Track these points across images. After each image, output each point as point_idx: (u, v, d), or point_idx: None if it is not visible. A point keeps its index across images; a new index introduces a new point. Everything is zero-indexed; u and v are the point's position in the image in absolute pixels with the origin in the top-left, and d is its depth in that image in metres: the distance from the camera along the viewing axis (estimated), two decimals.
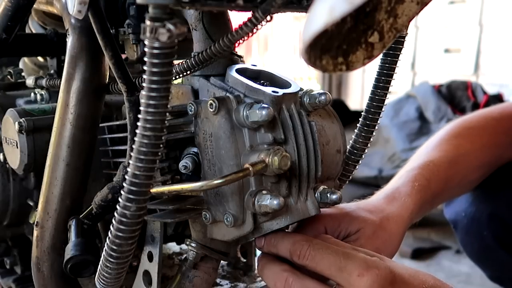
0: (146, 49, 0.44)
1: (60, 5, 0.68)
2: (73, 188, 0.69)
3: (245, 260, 0.92)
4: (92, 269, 0.65)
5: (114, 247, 0.54)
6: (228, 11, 0.63)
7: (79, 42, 0.66)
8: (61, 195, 0.68)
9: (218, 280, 0.89)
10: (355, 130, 0.70)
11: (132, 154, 0.49)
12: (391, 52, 0.65)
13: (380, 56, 0.62)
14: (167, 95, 0.46)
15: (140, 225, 0.53)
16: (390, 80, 0.66)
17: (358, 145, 0.70)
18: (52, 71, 0.88)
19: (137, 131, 0.48)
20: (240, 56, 0.65)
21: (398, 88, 3.24)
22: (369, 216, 0.74)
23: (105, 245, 0.55)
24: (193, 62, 0.57)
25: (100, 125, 0.71)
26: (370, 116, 0.68)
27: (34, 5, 0.76)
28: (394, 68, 0.66)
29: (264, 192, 0.57)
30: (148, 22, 0.44)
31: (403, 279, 0.57)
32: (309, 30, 0.41)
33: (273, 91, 0.58)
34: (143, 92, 0.46)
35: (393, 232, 0.74)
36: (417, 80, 3.43)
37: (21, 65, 1.06)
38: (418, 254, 2.14)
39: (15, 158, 0.78)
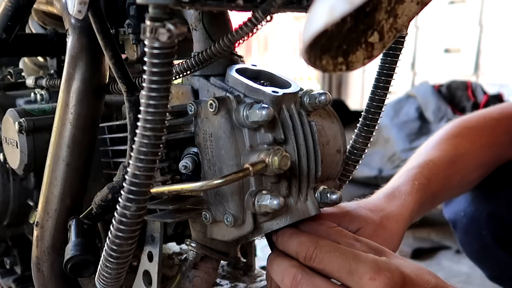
0: (146, 49, 0.44)
1: (60, 5, 0.68)
2: (73, 188, 0.69)
3: (245, 260, 0.92)
4: (92, 269, 0.65)
5: (114, 247, 0.54)
6: (228, 11, 0.63)
7: (79, 42, 0.66)
8: (61, 195, 0.69)
9: (218, 280, 0.89)
10: (355, 130, 0.70)
11: (132, 154, 0.49)
12: (391, 52, 0.65)
13: (380, 56, 0.62)
14: (167, 95, 0.46)
15: (140, 225, 0.53)
16: (390, 80, 0.67)
17: (358, 145, 0.70)
18: (52, 71, 0.88)
19: (137, 131, 0.48)
20: (240, 56, 0.65)
21: (398, 88, 3.24)
22: (370, 215, 0.74)
23: (105, 245, 0.55)
24: (193, 62, 0.57)
25: (100, 125, 0.71)
26: (370, 116, 0.68)
27: (34, 5, 0.76)
28: (394, 68, 0.66)
29: (264, 192, 0.57)
30: (148, 22, 0.44)
31: (412, 280, 0.57)
32: (309, 30, 0.41)
33: (273, 91, 0.58)
34: (143, 92, 0.46)
35: (393, 230, 0.74)
36: (417, 80, 3.44)
37: (21, 65, 1.06)
38: (418, 254, 2.14)
39: (15, 158, 0.78)
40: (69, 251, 0.65)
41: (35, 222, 0.70)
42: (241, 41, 0.53)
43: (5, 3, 0.73)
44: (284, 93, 0.58)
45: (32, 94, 0.88)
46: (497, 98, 2.59)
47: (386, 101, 0.68)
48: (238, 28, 0.51)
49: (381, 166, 2.45)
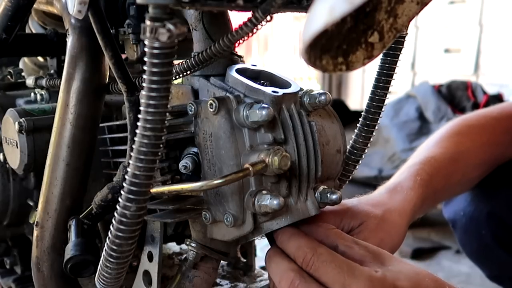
0: (146, 49, 0.44)
1: (60, 5, 0.68)
2: (73, 188, 0.69)
3: (245, 260, 0.92)
4: (92, 269, 0.65)
5: (114, 247, 0.54)
6: (228, 11, 0.63)
7: (79, 42, 0.66)
8: (61, 195, 0.69)
9: (218, 280, 0.89)
10: (355, 130, 0.70)
11: (132, 154, 0.49)
12: (391, 52, 0.65)
13: (380, 56, 0.62)
14: (167, 95, 0.46)
15: (140, 225, 0.53)
16: (390, 80, 0.66)
17: (358, 145, 0.70)
18: (52, 71, 0.88)
19: (137, 131, 0.48)
20: (240, 56, 0.65)
21: (398, 88, 3.24)
22: (372, 210, 0.73)
23: (105, 245, 0.55)
24: (193, 62, 0.57)
25: (100, 125, 0.71)
26: (370, 116, 0.68)
27: (34, 5, 0.76)
28: (394, 68, 0.66)
29: (264, 192, 0.57)
30: (148, 22, 0.44)
31: None
32: (309, 30, 0.41)
33: (273, 91, 0.58)
34: (143, 92, 0.46)
35: (396, 223, 0.74)
36: (417, 80, 3.43)
37: (21, 65, 1.06)
38: (418, 254, 2.14)
39: (15, 158, 0.78)
40: (69, 251, 0.65)
41: (35, 222, 0.70)
42: (241, 41, 0.53)
43: (5, 3, 0.73)
44: (284, 93, 0.58)
45: (32, 94, 0.88)
46: (497, 98, 2.59)
47: (386, 101, 0.68)
48: (238, 28, 0.51)
49: (381, 166, 2.45)
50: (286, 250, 0.60)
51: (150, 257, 0.69)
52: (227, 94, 0.59)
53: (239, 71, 0.61)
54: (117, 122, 0.74)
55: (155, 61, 0.45)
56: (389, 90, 0.67)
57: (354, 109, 3.11)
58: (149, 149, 0.48)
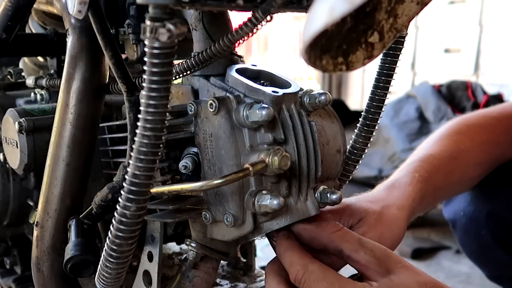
0: (146, 49, 0.44)
1: (60, 5, 0.68)
2: (73, 188, 0.69)
3: (245, 260, 0.92)
4: (92, 269, 0.65)
5: (114, 247, 0.54)
6: (228, 11, 0.63)
7: (79, 42, 0.66)
8: (61, 195, 0.69)
9: (218, 280, 0.89)
10: (355, 130, 0.70)
11: (132, 154, 0.49)
12: (391, 52, 0.65)
13: (380, 56, 0.62)
14: (167, 95, 0.46)
15: (140, 225, 0.53)
16: (390, 80, 0.66)
17: (358, 145, 0.70)
18: (52, 71, 0.88)
19: (137, 131, 0.48)
20: (240, 56, 0.65)
21: (398, 88, 3.24)
22: (370, 206, 0.73)
23: (105, 245, 0.55)
24: (193, 62, 0.57)
25: (100, 125, 0.71)
26: (370, 116, 0.68)
27: (34, 5, 0.76)
28: (394, 68, 0.66)
29: (264, 192, 0.57)
30: (148, 22, 0.44)
31: None
32: (309, 30, 0.41)
33: (273, 91, 0.58)
34: (143, 92, 0.46)
35: (396, 217, 0.73)
36: (417, 80, 3.43)
37: (21, 65, 1.06)
38: (418, 254, 2.14)
39: (15, 158, 0.78)
40: (69, 251, 0.65)
41: (35, 222, 0.70)
42: (241, 41, 0.53)
43: (5, 3, 0.73)
44: (284, 93, 0.58)
45: (32, 94, 0.88)
46: (497, 98, 2.59)
47: (386, 101, 0.68)
48: (238, 28, 0.51)
49: (381, 166, 2.45)
50: (282, 262, 0.60)
51: (150, 257, 0.69)
52: (227, 94, 0.59)
53: (239, 71, 0.61)
54: (117, 122, 0.74)
55: (155, 61, 0.45)
56: (389, 90, 0.67)
57: (354, 109, 3.11)
58: (149, 149, 0.48)
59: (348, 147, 0.69)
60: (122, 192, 0.50)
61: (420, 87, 2.85)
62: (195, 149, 0.61)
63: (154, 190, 0.57)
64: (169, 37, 0.43)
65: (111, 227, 0.54)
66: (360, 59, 0.52)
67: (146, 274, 0.69)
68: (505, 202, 1.11)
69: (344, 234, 0.60)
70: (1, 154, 0.85)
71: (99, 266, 0.59)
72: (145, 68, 0.45)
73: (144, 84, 0.46)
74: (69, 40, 0.66)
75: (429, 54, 3.46)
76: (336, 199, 0.60)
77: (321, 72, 1.85)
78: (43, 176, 0.70)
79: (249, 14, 0.51)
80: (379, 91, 0.67)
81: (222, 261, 0.76)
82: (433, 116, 2.60)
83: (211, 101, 0.57)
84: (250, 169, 0.53)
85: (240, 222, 0.58)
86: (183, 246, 0.99)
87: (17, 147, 0.77)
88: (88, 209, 0.69)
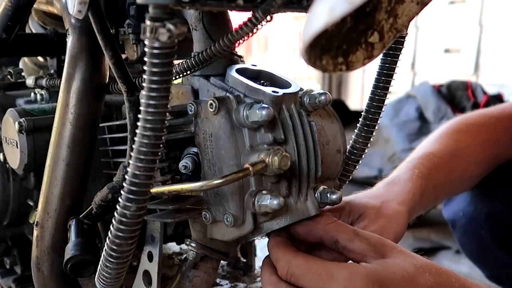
0: (146, 49, 0.44)
1: (60, 5, 0.68)
2: (73, 188, 0.69)
3: (245, 260, 0.92)
4: (92, 269, 0.65)
5: (114, 247, 0.54)
6: (228, 11, 0.63)
7: (79, 42, 0.66)
8: (61, 195, 0.69)
9: (218, 280, 0.89)
10: (355, 130, 0.70)
11: (132, 154, 0.49)
12: (391, 52, 0.65)
13: (380, 56, 0.62)
14: (167, 95, 0.46)
15: (140, 225, 0.53)
16: (390, 80, 0.66)
17: (358, 145, 0.70)
18: (52, 71, 0.88)
19: (137, 131, 0.48)
20: (240, 56, 0.65)
21: (398, 88, 3.24)
22: (370, 201, 0.73)
23: (105, 245, 0.55)
24: (193, 62, 0.57)
25: (100, 125, 0.71)
26: (370, 116, 0.68)
27: (34, 5, 0.76)
28: (394, 68, 0.66)
29: (264, 192, 0.57)
30: (148, 22, 0.44)
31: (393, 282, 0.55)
32: (309, 30, 0.41)
33: (273, 91, 0.58)
34: (143, 92, 0.46)
35: (396, 210, 0.73)
36: (417, 80, 3.43)
37: (21, 65, 1.06)
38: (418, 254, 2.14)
39: (15, 158, 0.78)
40: (69, 251, 0.65)
41: (35, 222, 0.70)
42: (241, 41, 0.53)
43: (5, 3, 0.73)
44: (284, 93, 0.58)
45: (32, 94, 0.88)
46: (497, 98, 2.59)
47: (386, 101, 0.68)
48: (238, 28, 0.51)
49: (381, 166, 2.45)
50: (272, 260, 0.60)
51: (150, 257, 0.69)
52: (227, 94, 0.59)
53: (239, 71, 0.61)
54: (117, 122, 0.74)
55: (155, 61, 0.45)
56: (389, 90, 0.67)
57: (354, 109, 3.11)
58: (149, 149, 0.48)
59: (348, 147, 0.69)
60: (122, 192, 0.51)
61: (420, 87, 2.84)
62: (195, 149, 0.61)
63: (154, 190, 0.57)
64: (169, 37, 0.43)
65: (111, 227, 0.54)
66: (360, 59, 0.52)
67: (146, 274, 0.69)
68: (504, 202, 1.11)
69: (339, 225, 0.60)
70: (1, 154, 0.85)
71: (99, 266, 0.59)
72: (145, 68, 0.45)
73: (144, 84, 0.46)
74: (69, 40, 0.66)
75: (429, 54, 3.46)
76: (336, 199, 0.60)
77: (321, 72, 1.85)
78: (43, 176, 0.70)
79: (249, 14, 0.51)
80: (379, 91, 0.67)
81: (222, 261, 0.76)
82: (433, 116, 2.60)
83: (211, 101, 0.57)
84: (250, 169, 0.53)
85: (240, 222, 0.58)
86: (183, 246, 0.99)
87: (17, 147, 0.77)
88: (88, 209, 0.69)
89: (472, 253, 1.23)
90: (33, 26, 0.97)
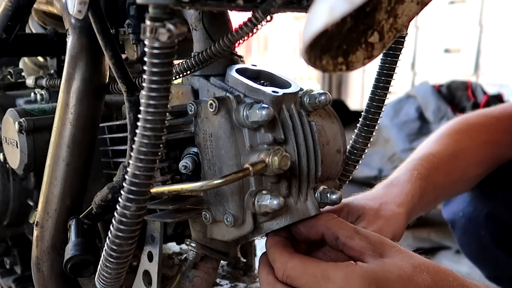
0: (146, 49, 0.44)
1: (60, 5, 0.68)
2: (73, 188, 0.69)
3: (245, 260, 0.92)
4: (92, 269, 0.65)
5: (114, 247, 0.54)
6: (228, 11, 0.63)
7: (79, 42, 0.66)
8: (61, 195, 0.69)
9: (218, 280, 0.89)
10: (355, 130, 0.70)
11: (132, 154, 0.49)
12: (391, 52, 0.65)
13: (380, 56, 0.62)
14: (167, 95, 0.46)
15: (140, 225, 0.53)
16: (390, 80, 0.66)
17: (358, 145, 0.70)
18: (52, 71, 0.88)
19: (137, 131, 0.48)
20: (240, 56, 0.65)
21: (398, 88, 3.24)
22: (368, 203, 0.73)
23: (105, 245, 0.55)
24: (193, 62, 0.57)
25: (100, 125, 0.71)
26: (370, 116, 0.68)
27: (34, 5, 0.76)
28: (394, 68, 0.66)
29: (264, 192, 0.57)
30: (148, 22, 0.44)
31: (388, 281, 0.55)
32: (309, 30, 0.41)
33: (273, 91, 0.58)
34: (143, 92, 0.46)
35: (394, 212, 0.73)
36: (417, 80, 3.43)
37: (21, 65, 1.06)
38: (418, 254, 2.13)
39: (15, 158, 0.78)
40: (69, 251, 0.65)
41: (35, 222, 0.70)
42: (241, 41, 0.53)
43: (5, 3, 0.73)
44: (284, 93, 0.58)
45: (32, 94, 0.88)
46: (497, 98, 2.59)
47: (386, 101, 0.68)
48: (238, 28, 0.51)
49: (381, 166, 2.45)
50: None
51: (150, 257, 0.69)
52: (227, 94, 0.59)
53: (239, 71, 0.61)
54: (117, 122, 0.74)
55: (155, 61, 0.45)
56: (389, 90, 0.67)
57: (354, 109, 3.11)
58: (149, 149, 0.48)
59: (348, 147, 0.69)
60: (122, 192, 0.51)
61: (420, 87, 2.84)
62: (195, 149, 0.61)
63: (154, 190, 0.57)
64: (169, 37, 0.43)
65: (111, 227, 0.54)
66: (360, 59, 0.52)
67: (146, 274, 0.69)
68: (504, 203, 1.11)
69: (340, 222, 0.60)
70: (1, 154, 0.85)
71: (99, 266, 0.59)
72: (145, 68, 0.45)
73: (144, 84, 0.46)
74: (69, 40, 0.66)
75: (429, 54, 3.45)
76: (336, 199, 0.60)
77: (321, 72, 1.85)
78: (43, 176, 0.70)
79: (249, 14, 0.51)
80: (379, 91, 0.67)
81: (222, 261, 0.76)
82: (433, 116, 2.60)
83: (211, 101, 0.57)
84: (250, 169, 0.53)
85: (240, 222, 0.58)
86: (183, 246, 0.99)
87: (17, 147, 0.77)
88: (88, 209, 0.69)
89: (472, 253, 1.23)
90: (33, 26, 0.97)
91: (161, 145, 0.48)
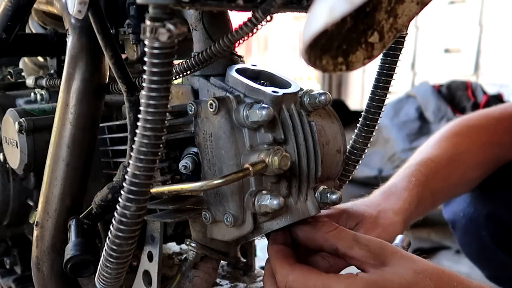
0: (146, 49, 0.44)
1: (60, 5, 0.68)
2: (73, 188, 0.69)
3: (245, 260, 0.92)
4: (92, 269, 0.65)
5: (114, 247, 0.54)
6: (228, 11, 0.63)
7: (79, 42, 0.66)
8: (61, 195, 0.69)
9: (218, 280, 0.89)
10: (355, 130, 0.70)
11: (132, 154, 0.49)
12: (391, 52, 0.65)
13: (380, 56, 0.62)
14: (167, 95, 0.46)
15: (140, 225, 0.53)
16: (390, 80, 0.66)
17: (358, 145, 0.70)
18: (52, 71, 0.88)
19: (137, 131, 0.48)
20: (240, 56, 0.65)
21: (398, 88, 3.24)
22: (367, 210, 0.73)
23: (105, 245, 0.55)
24: (193, 62, 0.57)
25: (100, 125, 0.71)
26: (370, 116, 0.68)
27: (34, 5, 0.76)
28: (394, 68, 0.66)
29: (264, 192, 0.57)
30: (148, 22, 0.44)
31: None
32: (309, 30, 0.41)
33: (273, 91, 0.58)
34: (143, 92, 0.46)
35: (392, 220, 0.74)
36: (417, 80, 3.43)
37: (21, 65, 1.06)
38: (418, 254, 2.13)
39: (15, 158, 0.78)
40: (69, 251, 0.65)
41: (35, 222, 0.70)
42: (241, 41, 0.53)
43: (5, 3, 0.73)
44: (284, 93, 0.58)
45: (32, 94, 0.88)
46: (497, 98, 2.59)
47: (386, 101, 0.68)
48: (238, 28, 0.51)
49: (381, 166, 2.45)
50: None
51: (150, 257, 0.69)
52: (227, 94, 0.59)
53: (239, 71, 0.61)
54: (117, 122, 0.74)
55: (155, 61, 0.45)
56: (389, 90, 0.67)
57: (354, 109, 3.11)
58: (149, 149, 0.48)
59: (348, 147, 0.69)
60: (122, 192, 0.50)
61: (420, 87, 2.84)
62: (195, 149, 0.61)
63: (154, 190, 0.57)
64: (169, 37, 0.43)
65: (111, 227, 0.54)
66: (360, 59, 0.52)
67: (146, 274, 0.69)
68: (504, 203, 1.11)
69: (338, 232, 0.60)
70: (1, 154, 0.85)
71: (99, 266, 0.59)
72: (145, 68, 0.45)
73: (144, 84, 0.46)
74: (69, 40, 0.66)
75: (429, 54, 3.46)
76: (336, 199, 0.60)
77: (321, 72, 1.85)
78: (43, 176, 0.70)
79: (249, 14, 0.51)
80: (379, 91, 0.67)
81: (222, 261, 0.76)
82: (433, 116, 2.60)
83: (211, 101, 0.57)
84: (250, 169, 0.53)
85: (240, 222, 0.58)
86: (183, 246, 0.99)
87: (17, 147, 0.77)
88: (88, 209, 0.69)
89: (472, 253, 1.23)
90: (33, 26, 0.97)
91: (161, 145, 0.48)
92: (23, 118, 0.76)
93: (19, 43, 0.84)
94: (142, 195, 0.50)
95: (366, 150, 0.71)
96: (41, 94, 0.86)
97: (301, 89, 0.61)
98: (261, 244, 1.25)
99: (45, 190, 0.69)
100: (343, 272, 0.60)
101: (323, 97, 0.60)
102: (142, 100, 0.47)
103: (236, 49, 0.65)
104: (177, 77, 0.59)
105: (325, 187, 0.61)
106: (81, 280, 0.74)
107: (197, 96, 0.63)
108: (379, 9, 0.52)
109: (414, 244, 2.16)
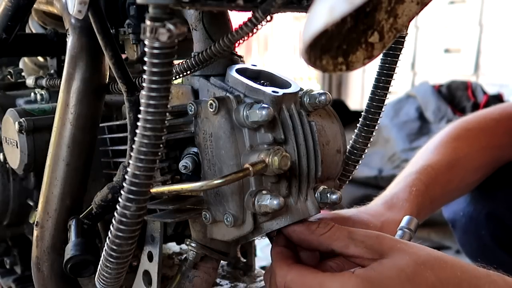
0: (146, 49, 0.44)
1: (60, 5, 0.68)
2: (73, 188, 0.69)
3: (245, 260, 0.92)
4: (92, 269, 0.65)
5: (114, 247, 0.54)
6: (228, 11, 0.63)
7: (79, 42, 0.66)
8: (61, 195, 0.69)
9: (218, 280, 0.89)
10: (355, 130, 0.70)
11: (132, 154, 0.49)
12: (391, 52, 0.65)
13: (380, 56, 0.62)
14: (167, 95, 0.46)
15: (140, 225, 0.53)
16: (390, 80, 0.66)
17: (358, 145, 0.70)
18: (52, 71, 0.88)
19: (137, 131, 0.48)
20: (240, 56, 0.65)
21: (398, 88, 3.24)
22: (371, 219, 0.74)
23: (105, 245, 0.55)
24: (193, 62, 0.57)
25: (100, 125, 0.71)
26: (370, 116, 0.68)
27: (34, 5, 0.76)
28: (394, 68, 0.66)
29: (264, 192, 0.57)
30: (148, 22, 0.44)
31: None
32: (309, 30, 0.41)
33: (273, 91, 0.58)
34: (143, 92, 0.46)
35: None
36: (417, 80, 3.43)
37: (21, 65, 1.06)
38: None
39: (15, 158, 0.78)
40: (69, 251, 0.65)
41: (35, 222, 0.70)
42: (241, 41, 0.53)
43: (5, 3, 0.73)
44: (284, 93, 0.58)
45: (32, 94, 0.88)
46: (497, 98, 2.59)
47: (386, 101, 0.68)
48: (238, 28, 0.51)
49: (381, 166, 2.45)
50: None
51: (150, 257, 0.69)
52: (227, 94, 0.59)
53: (239, 71, 0.61)
54: (117, 122, 0.74)
55: (155, 61, 0.45)
56: (389, 90, 0.67)
57: (354, 109, 3.11)
58: (149, 149, 0.48)
59: (348, 147, 0.69)
60: (122, 192, 0.50)
61: (420, 87, 2.84)
62: (195, 149, 0.61)
63: (154, 190, 0.57)
64: (169, 37, 0.43)
65: (111, 227, 0.54)
66: (360, 59, 0.52)
67: (146, 274, 0.69)
68: (504, 202, 1.11)
69: (333, 233, 0.59)
70: (1, 154, 0.85)
71: (99, 266, 0.59)
72: (145, 68, 0.45)
73: (144, 84, 0.46)
74: (69, 40, 0.66)
75: (429, 54, 3.46)
76: (336, 199, 0.60)
77: (321, 72, 1.85)
78: (43, 176, 0.70)
79: (249, 14, 0.51)
80: (379, 91, 0.67)
81: (222, 261, 0.76)
82: (433, 116, 2.60)
83: (211, 101, 0.57)
84: (250, 169, 0.53)
85: (240, 222, 0.58)
86: (183, 246, 0.99)
87: (17, 147, 0.77)
88: (88, 209, 0.69)
89: (472, 253, 1.23)
90: (33, 26, 0.97)
91: (161, 145, 0.48)
92: (23, 118, 0.76)
93: (19, 43, 0.84)
94: (142, 195, 0.50)
95: (366, 150, 0.71)
96: (41, 94, 0.86)
97: (301, 89, 0.61)
98: (261, 244, 1.25)
99: (45, 190, 0.69)
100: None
101: (323, 97, 0.60)
102: (142, 100, 0.47)
103: (236, 49, 0.65)
104: (177, 77, 0.59)
105: (325, 187, 0.61)
106: (81, 280, 0.74)
107: (197, 96, 0.63)
108: (379, 9, 0.52)
109: None
